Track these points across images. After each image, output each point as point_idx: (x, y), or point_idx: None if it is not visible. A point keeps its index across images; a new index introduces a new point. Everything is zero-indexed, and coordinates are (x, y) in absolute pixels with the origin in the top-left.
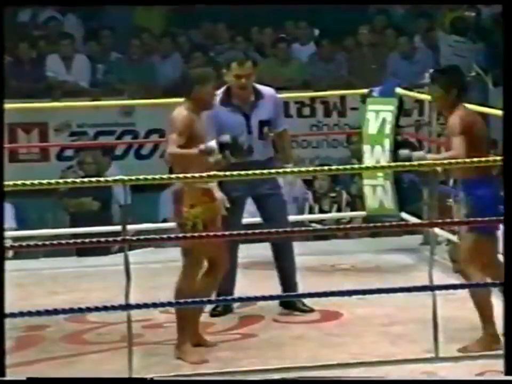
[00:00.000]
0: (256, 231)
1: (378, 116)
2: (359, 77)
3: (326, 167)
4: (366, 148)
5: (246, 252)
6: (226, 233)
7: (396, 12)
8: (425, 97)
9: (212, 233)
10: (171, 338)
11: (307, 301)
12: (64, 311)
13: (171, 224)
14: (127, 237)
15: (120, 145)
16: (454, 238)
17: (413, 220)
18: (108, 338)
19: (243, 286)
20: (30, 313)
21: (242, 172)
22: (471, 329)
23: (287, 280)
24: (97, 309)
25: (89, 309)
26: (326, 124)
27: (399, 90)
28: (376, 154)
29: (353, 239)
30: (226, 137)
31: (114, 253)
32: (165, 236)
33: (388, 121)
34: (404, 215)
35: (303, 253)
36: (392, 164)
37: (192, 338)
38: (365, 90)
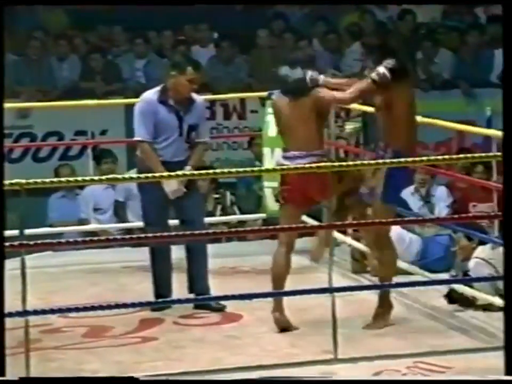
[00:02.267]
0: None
1: None
2: (259, 79)
3: (237, 169)
4: (266, 150)
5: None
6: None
7: (294, 16)
8: None
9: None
10: (70, 343)
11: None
12: None
13: (63, 229)
14: (25, 242)
15: (16, 148)
16: (352, 241)
17: (312, 222)
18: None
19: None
20: None
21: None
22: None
23: (199, 282)
24: None
25: None
26: (226, 127)
27: None
28: (276, 157)
29: (253, 241)
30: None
31: (9, 258)
32: (63, 240)
33: None
34: (304, 217)
35: None
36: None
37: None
38: (265, 93)
